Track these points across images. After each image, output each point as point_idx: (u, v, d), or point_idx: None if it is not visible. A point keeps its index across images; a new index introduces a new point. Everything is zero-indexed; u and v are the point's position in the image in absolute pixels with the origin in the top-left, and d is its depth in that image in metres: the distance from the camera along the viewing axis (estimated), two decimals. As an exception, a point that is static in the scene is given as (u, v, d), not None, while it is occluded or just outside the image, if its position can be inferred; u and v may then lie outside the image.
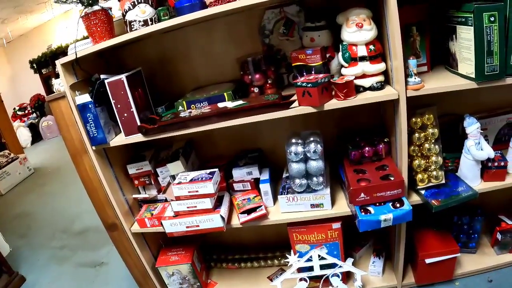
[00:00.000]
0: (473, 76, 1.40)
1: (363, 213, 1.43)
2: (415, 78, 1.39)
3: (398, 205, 1.44)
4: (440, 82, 1.45)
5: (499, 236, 1.74)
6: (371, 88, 1.44)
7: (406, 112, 1.39)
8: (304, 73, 1.46)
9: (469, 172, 1.56)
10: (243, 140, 1.77)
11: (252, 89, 1.56)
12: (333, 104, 1.39)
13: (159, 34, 1.59)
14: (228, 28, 1.62)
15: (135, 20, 1.45)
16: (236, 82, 1.60)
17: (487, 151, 1.52)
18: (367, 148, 1.56)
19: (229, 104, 1.46)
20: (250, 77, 1.55)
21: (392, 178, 1.46)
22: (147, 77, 1.62)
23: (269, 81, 1.55)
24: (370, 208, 1.45)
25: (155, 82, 1.68)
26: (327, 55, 1.51)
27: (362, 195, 1.45)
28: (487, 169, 1.56)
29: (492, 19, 1.35)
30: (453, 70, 1.52)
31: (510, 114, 1.65)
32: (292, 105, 1.41)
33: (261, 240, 1.89)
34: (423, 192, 1.53)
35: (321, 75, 1.40)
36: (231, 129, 1.47)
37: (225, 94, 1.50)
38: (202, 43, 1.65)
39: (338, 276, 1.61)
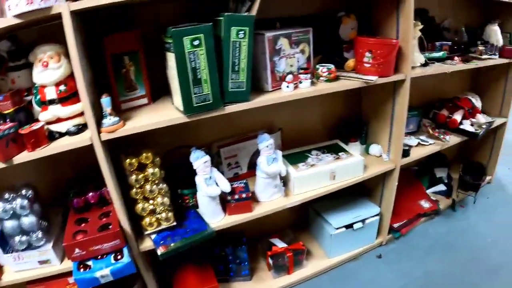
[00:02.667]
0: (182, 108, 1.29)
1: (81, 270, 1.31)
2: (110, 119, 1.27)
3: (119, 257, 1.34)
4: (151, 118, 1.33)
5: (271, 261, 1.68)
6: (68, 133, 1.30)
7: (104, 156, 1.27)
8: (1, 122, 1.31)
9: (206, 209, 1.47)
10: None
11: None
12: (25, 156, 1.25)
13: None
14: None
15: None
16: None
17: (223, 186, 1.44)
18: (91, 193, 1.43)
19: None
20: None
21: (111, 227, 1.35)
22: None
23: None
24: (90, 263, 1.33)
25: None
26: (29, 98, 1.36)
27: (77, 250, 1.31)
28: (227, 202, 1.48)
29: (196, 43, 1.22)
30: (173, 102, 1.41)
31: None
32: (-23, 161, 1.26)
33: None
34: (153, 236, 1.42)
35: (6, 126, 1.26)
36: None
37: None
38: None
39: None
